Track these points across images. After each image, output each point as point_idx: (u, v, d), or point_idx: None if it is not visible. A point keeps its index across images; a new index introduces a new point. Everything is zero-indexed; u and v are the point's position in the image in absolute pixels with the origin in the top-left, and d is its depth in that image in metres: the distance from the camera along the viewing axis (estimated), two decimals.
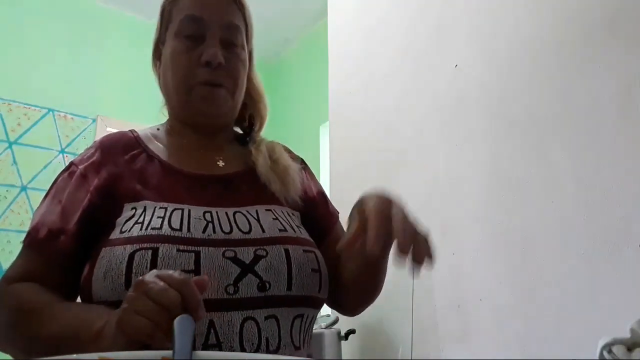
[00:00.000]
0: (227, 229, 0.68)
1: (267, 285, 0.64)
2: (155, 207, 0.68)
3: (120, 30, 3.55)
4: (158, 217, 0.66)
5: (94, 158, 0.75)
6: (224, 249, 0.65)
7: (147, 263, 0.61)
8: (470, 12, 1.76)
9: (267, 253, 0.66)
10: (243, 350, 0.61)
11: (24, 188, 2.94)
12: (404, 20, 2.00)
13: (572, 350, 1.29)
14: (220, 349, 0.60)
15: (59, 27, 3.29)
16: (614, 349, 0.63)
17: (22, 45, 3.13)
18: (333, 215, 0.90)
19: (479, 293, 1.58)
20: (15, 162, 2.95)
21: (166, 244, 0.62)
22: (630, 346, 0.62)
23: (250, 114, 0.93)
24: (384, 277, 0.78)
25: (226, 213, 0.70)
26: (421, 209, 0.85)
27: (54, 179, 0.78)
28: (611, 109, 1.34)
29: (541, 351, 1.38)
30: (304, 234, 0.75)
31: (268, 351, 0.63)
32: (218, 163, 0.80)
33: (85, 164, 0.75)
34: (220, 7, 0.79)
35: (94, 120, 3.29)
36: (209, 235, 0.66)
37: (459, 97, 1.70)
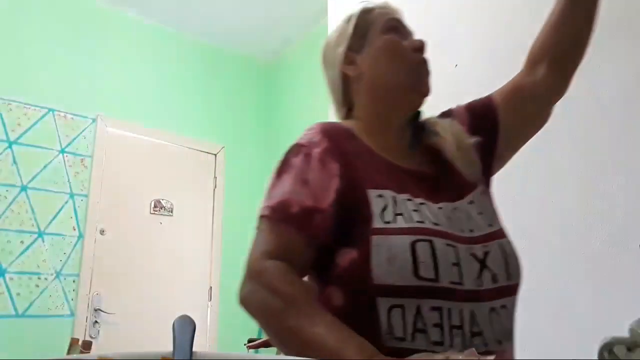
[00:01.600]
0: (460, 226, 0.74)
1: (497, 278, 0.71)
2: (403, 199, 0.73)
3: (120, 30, 3.55)
4: (414, 210, 0.72)
5: (325, 144, 0.77)
6: (467, 245, 0.71)
7: (428, 254, 0.67)
8: (472, 12, 1.76)
9: (490, 249, 0.73)
10: (495, 339, 0.68)
11: (24, 188, 2.94)
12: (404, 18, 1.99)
13: (572, 350, 1.28)
14: (482, 338, 0.67)
15: (59, 27, 3.29)
16: (614, 349, 0.63)
17: (22, 45, 3.13)
18: (488, 101, 0.91)
19: None
20: (15, 162, 2.95)
21: (437, 238, 0.69)
22: (630, 346, 0.62)
23: None
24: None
25: (449, 209, 0.76)
26: None
27: (282, 160, 0.80)
28: (612, 108, 1.34)
29: (541, 351, 1.38)
30: (500, 222, 0.80)
31: (507, 339, 0.71)
32: (415, 158, 0.85)
33: (319, 148, 0.77)
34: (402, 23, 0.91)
35: (94, 120, 3.29)
36: (454, 231, 0.72)
37: (459, 98, 1.70)
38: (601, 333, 0.67)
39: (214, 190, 3.76)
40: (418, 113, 0.92)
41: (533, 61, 0.91)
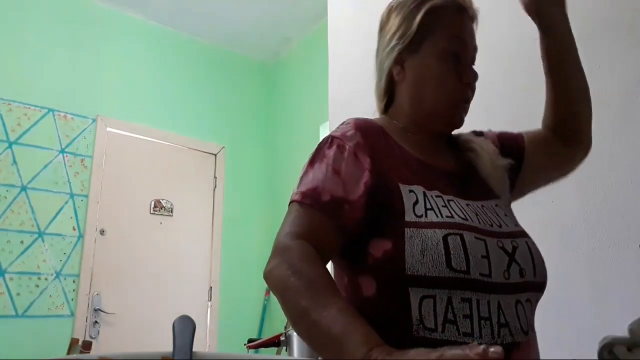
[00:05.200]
0: (488, 221, 0.77)
1: (524, 272, 0.73)
2: (432, 195, 0.76)
3: (120, 30, 3.55)
4: (443, 206, 0.74)
5: (358, 139, 0.79)
6: (495, 239, 0.74)
7: (459, 246, 0.69)
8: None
9: (518, 244, 0.76)
10: (521, 329, 0.71)
11: (24, 188, 2.94)
12: None
13: (572, 350, 1.28)
14: (509, 329, 0.69)
15: (59, 27, 3.29)
16: (614, 349, 0.63)
17: (22, 45, 3.13)
18: (518, 138, 0.96)
19: None
20: (15, 162, 2.95)
21: (467, 232, 0.71)
22: (630, 346, 0.62)
23: None
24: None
25: (478, 206, 0.79)
26: None
27: (316, 150, 0.81)
28: (612, 109, 1.34)
29: (541, 351, 1.38)
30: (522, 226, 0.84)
31: (532, 329, 0.74)
32: (446, 159, 0.87)
33: (352, 142, 0.79)
34: (471, 29, 0.87)
35: (94, 120, 3.29)
36: (483, 226, 0.75)
37: None
38: (601, 333, 0.67)
39: (214, 190, 3.76)
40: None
41: (546, 128, 0.98)
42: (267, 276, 0.70)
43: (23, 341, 2.74)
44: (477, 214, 0.76)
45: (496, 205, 0.83)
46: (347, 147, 0.78)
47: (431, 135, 0.88)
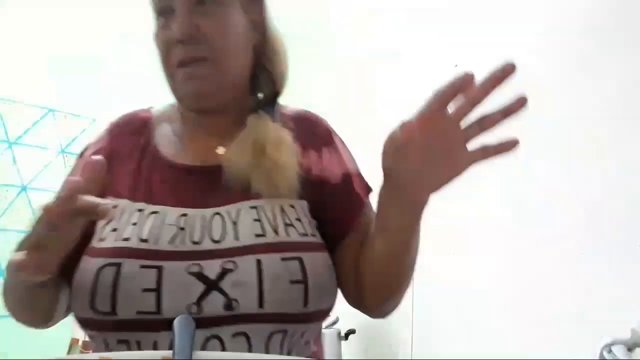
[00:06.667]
0: (197, 237, 0.63)
1: (234, 303, 0.59)
2: (132, 210, 0.65)
3: (120, 30, 3.55)
4: (133, 224, 0.64)
5: (102, 144, 0.77)
6: (189, 262, 0.60)
7: (109, 282, 0.59)
8: (470, 12, 1.76)
9: (236, 266, 0.60)
10: None
11: (24, 188, 2.94)
12: (403, 19, 2.00)
13: (572, 350, 1.29)
14: None
15: (59, 27, 3.28)
16: (614, 349, 0.63)
17: (22, 44, 3.13)
18: (356, 203, 0.76)
19: (479, 294, 1.58)
20: (15, 162, 2.95)
21: (130, 259, 0.60)
22: (630, 346, 0.63)
23: (264, 77, 0.79)
24: (415, 256, 0.69)
25: (203, 216, 0.64)
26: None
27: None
28: (612, 108, 1.34)
29: (541, 351, 1.38)
30: (292, 235, 0.64)
31: None
32: (218, 150, 0.71)
33: (92, 150, 0.77)
34: None
35: (94, 120, 3.29)
36: (176, 246, 0.62)
37: (459, 97, 1.70)
38: (601, 333, 0.67)
39: None
40: (263, 97, 0.77)
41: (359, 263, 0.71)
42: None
43: (23, 341, 2.74)
44: (183, 228, 0.63)
45: (254, 207, 0.65)
46: (85, 155, 0.75)
47: (205, 114, 0.73)
